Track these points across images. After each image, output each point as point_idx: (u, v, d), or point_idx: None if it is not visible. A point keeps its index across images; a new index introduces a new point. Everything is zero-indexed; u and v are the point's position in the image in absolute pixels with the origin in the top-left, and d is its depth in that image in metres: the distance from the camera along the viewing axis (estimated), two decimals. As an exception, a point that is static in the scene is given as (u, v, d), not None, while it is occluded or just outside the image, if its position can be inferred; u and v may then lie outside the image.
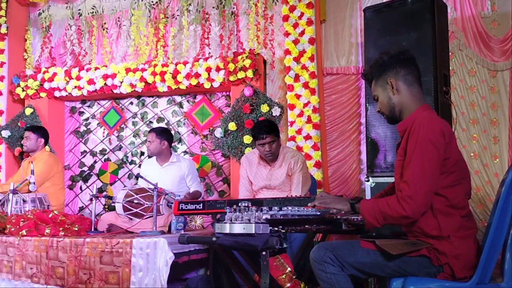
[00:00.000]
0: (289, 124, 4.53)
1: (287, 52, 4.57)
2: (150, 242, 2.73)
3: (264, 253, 2.03)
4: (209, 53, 5.00)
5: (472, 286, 1.85)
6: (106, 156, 5.41)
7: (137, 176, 4.71)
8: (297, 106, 4.50)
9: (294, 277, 2.71)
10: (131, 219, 3.36)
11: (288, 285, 2.66)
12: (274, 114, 4.47)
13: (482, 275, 1.86)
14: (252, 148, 4.28)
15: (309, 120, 4.45)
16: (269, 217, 2.10)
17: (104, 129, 5.44)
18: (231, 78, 4.63)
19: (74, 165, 5.54)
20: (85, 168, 5.48)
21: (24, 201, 3.51)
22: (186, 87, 4.84)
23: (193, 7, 5.08)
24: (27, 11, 5.82)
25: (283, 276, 2.68)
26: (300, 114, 4.48)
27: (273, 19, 4.84)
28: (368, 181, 3.59)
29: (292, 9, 4.59)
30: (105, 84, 5.09)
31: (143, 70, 4.96)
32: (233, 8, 4.99)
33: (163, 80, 4.87)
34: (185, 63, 4.85)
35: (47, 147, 4.57)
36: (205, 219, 4.13)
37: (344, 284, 1.91)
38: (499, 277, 1.94)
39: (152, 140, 3.97)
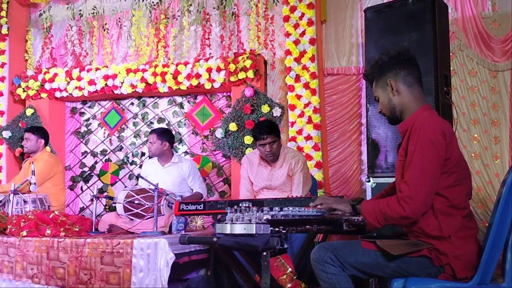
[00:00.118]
0: (289, 124, 4.53)
1: (288, 52, 4.57)
2: (150, 242, 2.73)
3: (265, 253, 2.03)
4: (210, 53, 5.00)
5: (473, 287, 1.85)
6: (106, 157, 5.41)
7: (138, 177, 4.72)
8: (298, 106, 4.50)
9: (295, 277, 2.70)
10: (132, 219, 3.36)
11: (289, 285, 2.66)
12: (274, 115, 4.47)
13: (483, 276, 1.85)
14: (253, 149, 4.28)
15: (309, 121, 4.45)
16: (270, 217, 2.10)
17: (104, 129, 5.45)
18: (232, 79, 4.63)
19: (75, 165, 5.54)
20: (86, 169, 5.48)
21: (24, 201, 3.50)
22: (187, 87, 4.84)
23: (194, 7, 5.08)
24: (28, 12, 5.82)
25: (284, 277, 2.68)
26: (301, 115, 4.48)
27: (274, 19, 4.84)
28: (368, 181, 3.59)
29: (293, 9, 4.58)
30: (105, 84, 5.09)
31: (143, 70, 4.97)
32: (234, 8, 4.99)
33: (163, 81, 4.87)
34: (185, 63, 4.86)
35: (47, 147, 4.57)
36: (206, 220, 4.12)
37: (344, 284, 1.91)
38: (500, 278, 1.94)
39: (153, 141, 3.97)
